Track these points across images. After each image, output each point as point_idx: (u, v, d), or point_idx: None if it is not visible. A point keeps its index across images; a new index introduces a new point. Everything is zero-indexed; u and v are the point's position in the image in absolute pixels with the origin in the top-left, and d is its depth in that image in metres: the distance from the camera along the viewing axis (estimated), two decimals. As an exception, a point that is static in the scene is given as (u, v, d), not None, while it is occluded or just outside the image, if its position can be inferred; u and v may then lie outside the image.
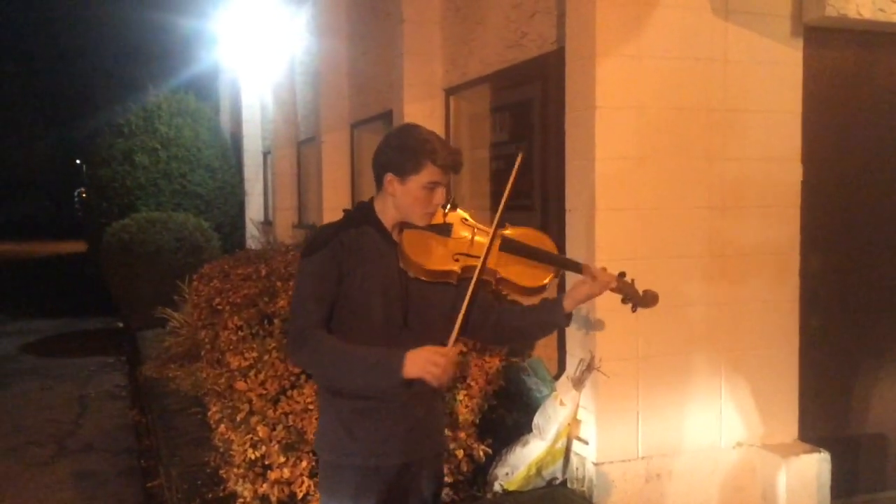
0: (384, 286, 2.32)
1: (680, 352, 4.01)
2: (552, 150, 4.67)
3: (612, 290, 2.43)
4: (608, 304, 3.84)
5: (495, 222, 2.36)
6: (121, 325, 10.81)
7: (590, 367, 3.86)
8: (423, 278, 2.33)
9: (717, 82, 4.02)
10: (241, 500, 3.77)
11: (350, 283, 2.29)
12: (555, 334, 4.58)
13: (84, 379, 8.11)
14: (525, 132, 5.11)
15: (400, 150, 2.33)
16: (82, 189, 30.46)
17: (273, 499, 3.64)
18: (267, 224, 13.62)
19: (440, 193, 2.33)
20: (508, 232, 2.44)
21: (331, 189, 8.91)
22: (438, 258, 2.33)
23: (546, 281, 2.40)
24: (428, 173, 2.29)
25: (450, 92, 6.15)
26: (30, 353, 9.58)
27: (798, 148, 4.19)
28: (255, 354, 3.87)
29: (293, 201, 12.19)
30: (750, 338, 4.13)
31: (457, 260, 2.34)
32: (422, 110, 6.14)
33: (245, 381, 3.79)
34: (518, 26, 5.07)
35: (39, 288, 16.40)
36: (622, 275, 2.46)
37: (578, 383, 3.91)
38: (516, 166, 2.44)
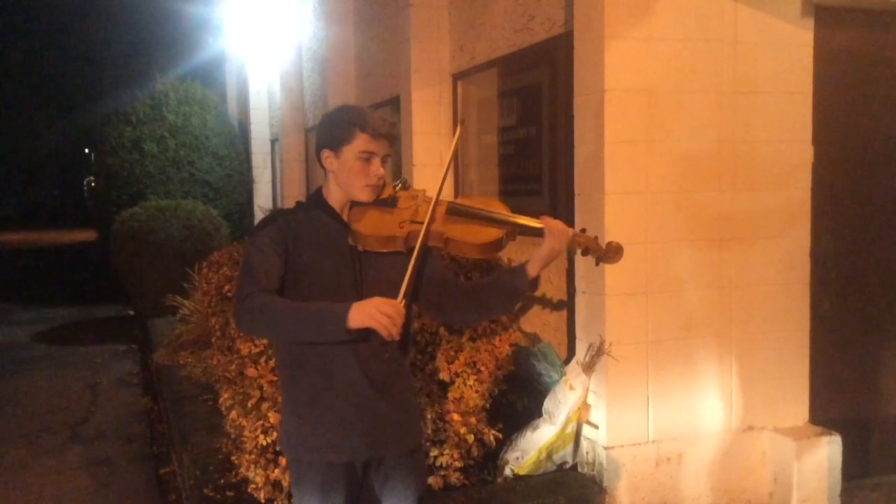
0: (335, 263, 2.31)
1: (690, 335, 4.00)
2: (561, 133, 4.65)
3: (572, 244, 2.37)
4: (617, 288, 3.86)
5: (441, 185, 2.34)
6: (131, 312, 10.87)
7: (600, 352, 3.86)
8: (370, 249, 2.32)
9: (727, 64, 3.99)
10: (252, 485, 3.79)
11: (299, 263, 2.28)
12: (564, 318, 4.58)
13: (96, 366, 8.17)
14: (533, 116, 5.09)
15: (332, 125, 2.34)
16: (91, 178, 30.56)
17: (284, 484, 3.66)
18: (275, 211, 13.61)
19: (377, 164, 2.31)
20: (458, 200, 2.44)
21: (339, 175, 8.91)
22: (383, 225, 2.33)
23: (495, 237, 2.33)
24: (360, 141, 2.28)
25: (457, 77, 6.12)
26: (42, 342, 9.66)
27: (809, 129, 4.15)
28: (265, 341, 3.88)
29: (301, 189, 12.17)
30: (760, 321, 4.11)
31: (402, 227, 2.33)
32: (429, 95, 6.12)
33: (255, 368, 3.80)
34: (526, 9, 5.04)
35: (50, 277, 16.49)
36: (582, 230, 2.42)
37: (588, 368, 3.91)
38: (455, 138, 2.46)
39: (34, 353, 8.95)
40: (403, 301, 2.19)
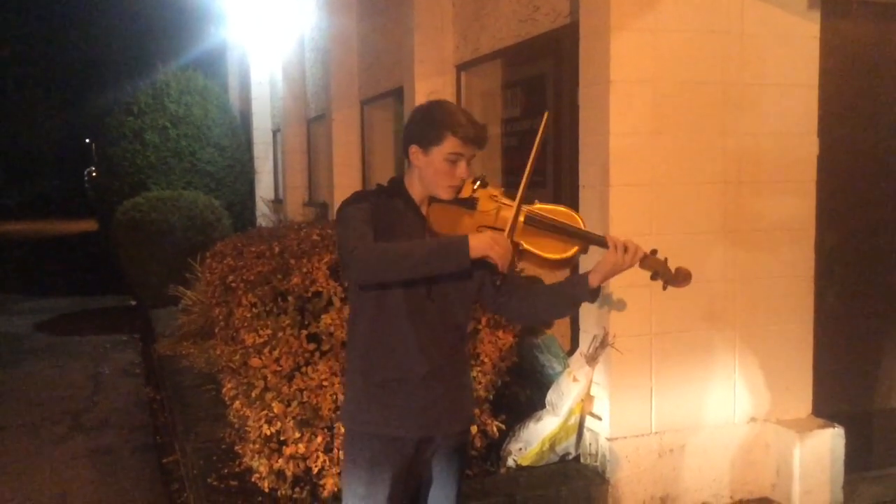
0: None
1: (694, 327, 4.00)
2: (565, 125, 4.63)
3: (641, 265, 2.39)
4: (622, 281, 3.82)
5: (519, 194, 2.34)
6: (133, 303, 10.87)
7: (603, 344, 3.86)
8: None
9: (733, 56, 3.97)
10: (256, 475, 3.80)
11: None
12: (568, 311, 4.58)
13: (98, 357, 8.18)
14: (538, 108, 5.07)
15: (423, 122, 2.37)
16: (92, 168, 30.54)
17: (288, 474, 3.67)
18: (277, 202, 13.62)
19: (462, 167, 2.34)
20: (536, 207, 2.43)
21: (341, 167, 8.89)
22: (462, 230, 2.35)
23: (570, 254, 2.38)
24: (449, 144, 2.32)
25: (461, 68, 6.10)
26: (44, 332, 9.66)
27: (814, 122, 4.14)
28: (269, 331, 3.88)
29: (303, 179, 12.17)
30: (764, 313, 4.11)
31: (481, 232, 2.33)
32: (433, 86, 6.10)
33: (260, 358, 3.80)
34: (531, 0, 5.02)
35: (51, 267, 16.48)
36: (654, 252, 2.42)
37: (592, 359, 3.91)
38: (541, 129, 2.40)
39: (36, 343, 8.95)
40: (510, 236, 2.25)
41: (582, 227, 2.42)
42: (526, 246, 2.37)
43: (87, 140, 39.38)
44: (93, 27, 36.74)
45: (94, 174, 27.50)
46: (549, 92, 4.94)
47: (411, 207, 2.41)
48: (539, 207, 2.44)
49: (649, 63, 3.83)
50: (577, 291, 2.43)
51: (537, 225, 2.39)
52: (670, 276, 2.42)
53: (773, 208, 4.09)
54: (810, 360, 4.22)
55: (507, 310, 2.57)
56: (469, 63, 5.98)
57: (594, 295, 2.43)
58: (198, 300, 7.03)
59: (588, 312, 4.03)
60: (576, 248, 2.39)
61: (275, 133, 14.26)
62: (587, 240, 2.41)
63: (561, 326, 4.64)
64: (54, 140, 41.30)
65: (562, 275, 2.55)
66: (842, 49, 4.22)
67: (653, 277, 2.43)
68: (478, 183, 2.41)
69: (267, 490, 3.73)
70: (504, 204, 2.41)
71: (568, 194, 4.58)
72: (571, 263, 2.43)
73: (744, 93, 4.00)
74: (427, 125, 2.36)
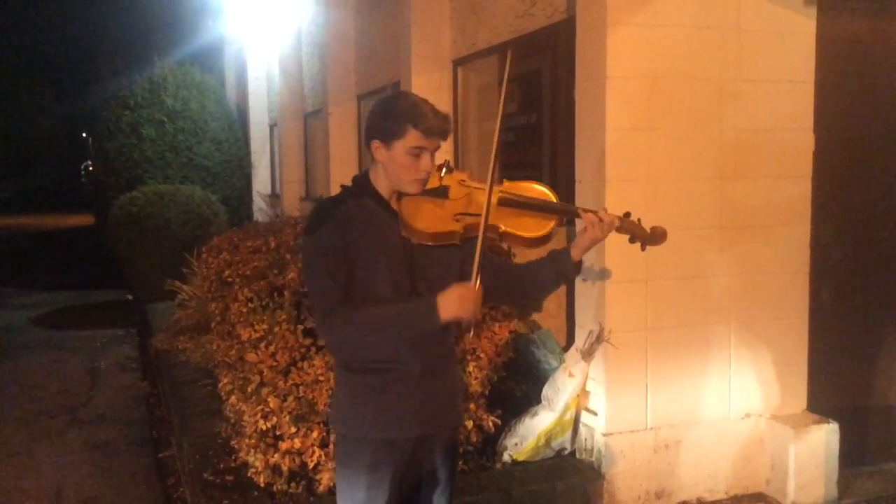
0: (388, 255, 2.31)
1: (689, 323, 4.01)
2: (562, 120, 4.63)
3: (618, 230, 2.41)
4: (617, 276, 3.86)
5: (490, 177, 2.31)
6: (130, 297, 10.86)
7: (599, 339, 3.87)
8: (426, 243, 2.32)
9: (729, 51, 3.97)
10: (252, 470, 3.80)
11: (355, 254, 2.28)
12: (564, 306, 4.58)
13: (95, 351, 8.17)
14: (534, 103, 5.07)
15: (384, 116, 2.31)
16: (89, 162, 30.50)
17: (284, 469, 3.67)
18: (274, 197, 13.61)
19: (426, 159, 2.29)
20: (506, 186, 2.42)
21: (338, 162, 8.89)
22: (439, 220, 2.32)
23: (548, 230, 2.37)
24: (412, 138, 2.25)
25: (458, 63, 6.10)
26: (40, 326, 9.66)
27: (810, 117, 4.15)
28: (265, 326, 3.88)
29: (300, 174, 12.15)
30: (760, 309, 4.12)
31: (458, 220, 2.32)
32: (430, 81, 6.10)
33: (256, 353, 3.80)
34: (527, -5, 5.02)
35: (48, 261, 16.46)
36: (627, 214, 2.44)
37: (587, 355, 3.92)
38: (491, 169, 2.33)
39: (32, 338, 8.95)
40: (478, 283, 2.23)
41: (554, 199, 2.42)
42: (504, 228, 2.34)
43: (84, 134, 39.27)
44: (89, 21, 36.65)
45: (90, 168, 27.45)
46: (545, 87, 4.94)
47: (381, 204, 2.35)
48: (509, 186, 2.42)
49: (645, 58, 3.83)
50: (560, 267, 2.44)
51: (512, 205, 2.36)
52: (647, 237, 2.46)
53: (768, 203, 4.10)
54: (805, 356, 4.23)
55: (493, 292, 2.47)
56: (466, 58, 5.98)
57: (577, 268, 2.44)
58: (194, 295, 7.02)
59: (584, 307, 4.04)
60: (552, 224, 2.38)
61: (272, 128, 14.25)
62: (562, 212, 2.42)
63: (557, 321, 4.65)
64: (51, 134, 41.22)
65: (543, 251, 2.53)
66: (838, 44, 4.22)
67: (631, 240, 2.47)
68: (444, 170, 2.38)
69: (263, 485, 3.73)
70: (475, 188, 2.38)
71: (564, 189, 4.58)
72: (550, 239, 2.41)
73: (740, 88, 4.00)
74: (388, 119, 2.28)
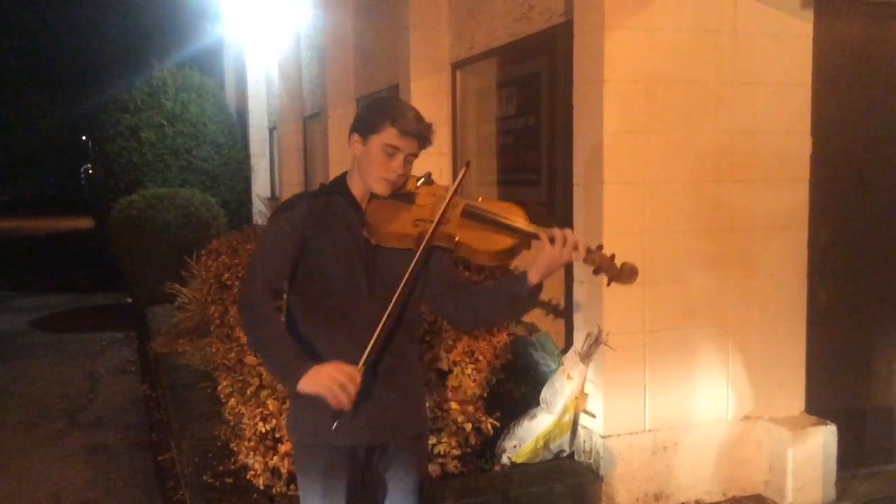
0: (348, 255, 2.32)
1: (687, 325, 4.02)
2: (560, 124, 4.64)
3: (585, 261, 2.27)
4: (616, 278, 3.86)
5: (452, 187, 2.32)
6: (129, 300, 10.87)
7: (597, 341, 3.88)
8: (382, 244, 2.33)
9: (726, 55, 3.99)
10: (251, 472, 3.81)
11: (312, 249, 2.30)
12: (563, 308, 4.59)
13: (94, 354, 8.18)
14: (532, 106, 5.09)
15: (367, 112, 2.35)
16: (88, 165, 30.50)
17: (283, 471, 3.68)
18: (273, 200, 13.62)
19: (399, 160, 2.30)
20: (479, 202, 2.39)
21: (337, 165, 8.88)
22: (397, 222, 2.33)
23: (505, 246, 2.29)
24: (387, 134, 2.27)
25: (456, 66, 6.11)
26: (40, 329, 9.67)
27: (807, 121, 4.16)
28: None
29: (299, 177, 12.15)
30: (757, 311, 4.13)
31: (416, 225, 2.32)
32: (428, 84, 6.11)
33: (255, 356, 3.81)
34: (525, -1, 5.03)
35: (47, 264, 16.47)
36: (599, 247, 2.28)
37: (586, 357, 3.93)
38: (460, 177, 2.37)
39: (32, 341, 8.96)
40: (363, 368, 2.19)
41: (522, 221, 2.32)
42: (459, 238, 2.31)
43: (84, 137, 39.30)
44: (89, 24, 36.67)
45: (90, 171, 27.46)
46: (543, 90, 4.95)
47: (351, 204, 2.36)
48: (482, 202, 2.39)
49: (643, 62, 3.84)
50: (515, 289, 2.28)
51: (475, 218, 2.34)
52: (616, 272, 2.28)
53: (765, 206, 4.11)
54: (803, 358, 4.24)
55: (446, 308, 2.45)
56: (464, 61, 5.99)
57: (533, 294, 2.28)
58: (193, 298, 7.03)
59: (582, 310, 4.05)
60: (510, 242, 2.29)
61: (271, 131, 14.25)
62: (520, 233, 2.30)
63: (555, 324, 4.66)
64: (51, 137, 41.25)
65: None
66: (835, 47, 4.23)
67: (595, 272, 2.30)
68: (421, 181, 2.40)
69: (262, 487, 3.74)
70: (442, 198, 2.36)
71: (561, 192, 4.59)
72: (510, 257, 2.34)
73: (737, 91, 4.02)
74: (369, 113, 2.32)
